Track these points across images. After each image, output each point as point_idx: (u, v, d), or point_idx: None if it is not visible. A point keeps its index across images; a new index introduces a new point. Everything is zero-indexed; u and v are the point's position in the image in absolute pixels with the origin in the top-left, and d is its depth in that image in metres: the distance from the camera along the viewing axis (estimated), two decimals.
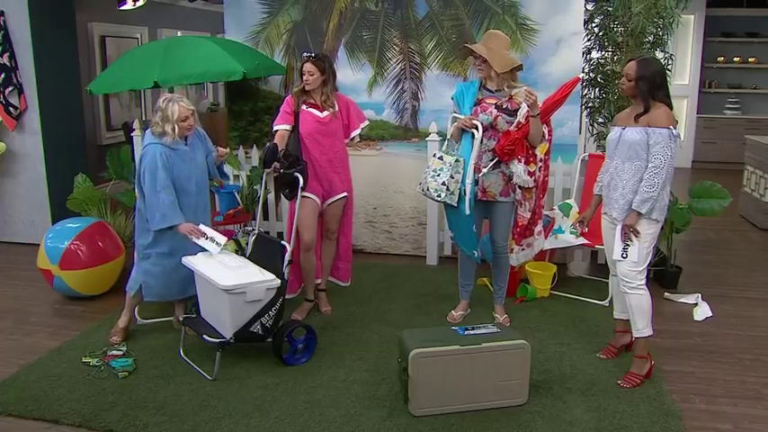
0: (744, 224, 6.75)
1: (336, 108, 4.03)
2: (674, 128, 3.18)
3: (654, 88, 3.18)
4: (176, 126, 3.62)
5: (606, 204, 3.44)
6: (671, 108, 3.23)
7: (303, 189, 3.83)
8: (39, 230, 5.56)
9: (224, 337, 3.41)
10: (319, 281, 4.30)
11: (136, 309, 4.06)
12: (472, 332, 3.19)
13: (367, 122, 4.27)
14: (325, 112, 4.00)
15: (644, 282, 3.32)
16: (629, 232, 3.25)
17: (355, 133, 4.19)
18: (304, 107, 4.00)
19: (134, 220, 3.90)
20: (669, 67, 4.63)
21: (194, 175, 3.79)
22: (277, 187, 4.05)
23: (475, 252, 3.97)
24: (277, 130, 4.00)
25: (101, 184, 5.90)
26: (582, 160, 4.92)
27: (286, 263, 3.55)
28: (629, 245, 3.27)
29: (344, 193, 4.16)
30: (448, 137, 3.90)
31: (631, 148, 3.22)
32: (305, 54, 3.97)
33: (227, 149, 4.13)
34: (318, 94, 4.00)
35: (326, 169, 4.04)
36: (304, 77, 3.94)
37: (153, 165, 3.61)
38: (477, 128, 3.72)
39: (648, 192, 3.16)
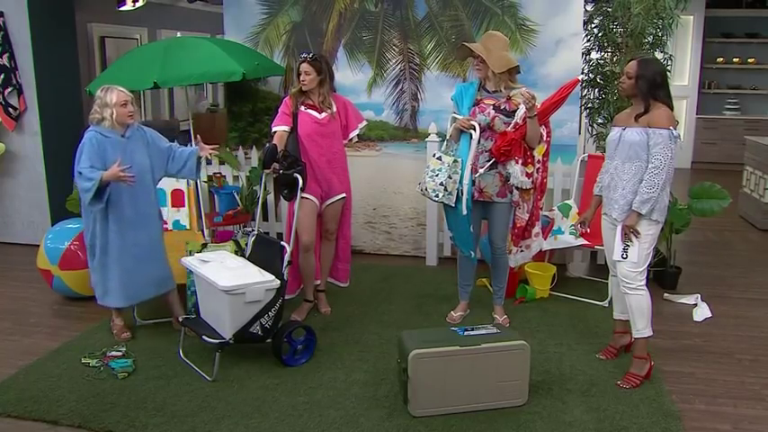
0: (743, 225, 6.76)
1: (334, 109, 4.03)
2: (675, 129, 3.18)
3: (653, 87, 3.18)
4: (114, 111, 3.61)
5: (606, 205, 3.44)
6: (672, 108, 3.22)
7: (303, 190, 3.84)
8: (38, 231, 5.56)
9: (223, 338, 3.41)
10: (318, 281, 4.30)
11: (135, 309, 4.06)
12: (472, 333, 3.19)
13: (365, 123, 4.28)
14: (324, 114, 3.99)
15: (644, 282, 3.31)
16: (629, 233, 3.25)
17: (353, 134, 4.19)
18: (302, 108, 4.00)
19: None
20: (669, 67, 4.63)
21: (129, 171, 3.62)
22: (276, 188, 4.04)
23: (472, 252, 3.97)
24: (275, 131, 4.00)
25: None
26: (581, 161, 4.92)
27: (285, 264, 3.55)
28: (629, 245, 3.27)
29: (343, 194, 4.16)
30: (447, 137, 3.90)
31: (631, 149, 3.22)
32: (302, 54, 3.97)
33: (212, 148, 3.96)
34: (316, 95, 3.99)
35: (325, 170, 4.04)
36: (301, 78, 3.94)
37: (80, 149, 3.57)
38: (474, 128, 3.72)
39: (648, 192, 3.16)
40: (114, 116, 3.61)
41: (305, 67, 3.91)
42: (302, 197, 3.88)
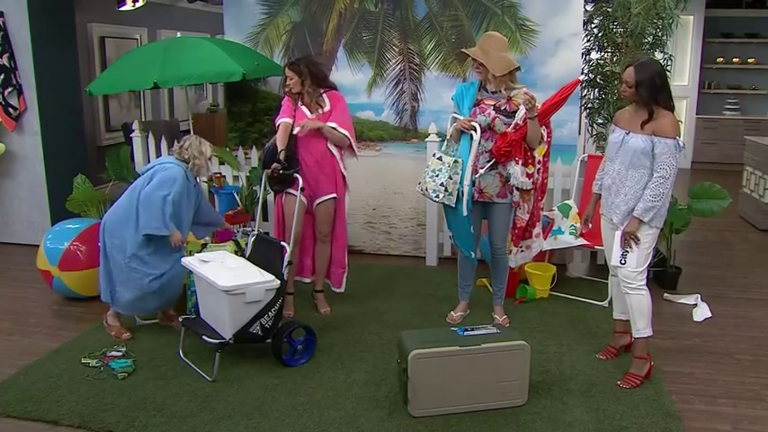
0: (743, 225, 6.76)
1: (327, 108, 4.05)
2: (680, 137, 3.17)
3: (654, 91, 3.15)
4: (207, 162, 3.89)
5: (606, 207, 3.43)
6: (673, 109, 3.21)
7: (303, 190, 3.89)
8: (38, 231, 5.55)
9: (223, 338, 3.41)
10: (311, 280, 4.34)
11: None
12: (472, 333, 3.19)
13: (333, 125, 4.00)
14: (314, 114, 4.02)
15: (644, 282, 3.31)
16: (629, 239, 3.24)
17: (326, 125, 3.98)
18: (299, 105, 4.05)
19: (123, 232, 3.78)
20: (668, 67, 4.63)
21: (186, 217, 3.86)
22: (271, 185, 4.08)
23: (472, 253, 3.97)
24: (280, 123, 4.02)
25: (100, 184, 5.90)
26: (581, 161, 4.92)
27: (285, 264, 3.55)
28: (627, 251, 3.26)
29: (333, 195, 4.14)
30: (447, 137, 3.90)
31: (635, 156, 3.20)
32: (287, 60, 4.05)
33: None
34: (306, 96, 4.03)
35: (313, 169, 4.05)
36: (287, 83, 4.02)
37: (173, 177, 3.71)
38: (475, 129, 3.72)
39: (653, 201, 3.15)
40: (208, 167, 3.95)
41: (287, 72, 4.00)
42: (289, 193, 3.96)
